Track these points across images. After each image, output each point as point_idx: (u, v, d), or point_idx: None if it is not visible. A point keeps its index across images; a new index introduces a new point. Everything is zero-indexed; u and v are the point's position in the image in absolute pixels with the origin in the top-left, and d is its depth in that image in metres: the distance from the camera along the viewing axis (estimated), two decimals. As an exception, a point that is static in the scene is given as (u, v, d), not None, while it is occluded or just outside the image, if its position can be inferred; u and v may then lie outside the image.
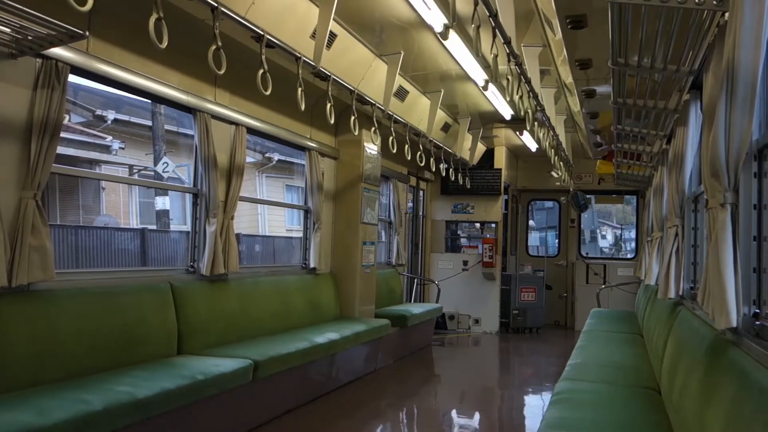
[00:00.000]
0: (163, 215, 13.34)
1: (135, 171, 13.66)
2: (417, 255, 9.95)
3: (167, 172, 12.84)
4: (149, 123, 13.27)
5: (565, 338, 9.66)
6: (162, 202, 13.26)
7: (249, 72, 3.96)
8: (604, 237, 23.16)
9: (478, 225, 10.44)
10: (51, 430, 2.58)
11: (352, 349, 5.78)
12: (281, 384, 4.60)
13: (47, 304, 3.42)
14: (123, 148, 12.92)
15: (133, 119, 13.16)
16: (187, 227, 5.00)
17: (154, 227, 12.87)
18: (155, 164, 13.15)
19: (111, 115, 12.64)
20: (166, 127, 13.14)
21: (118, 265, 10.53)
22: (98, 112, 12.63)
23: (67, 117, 11.73)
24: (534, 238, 13.61)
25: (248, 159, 16.26)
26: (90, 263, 10.04)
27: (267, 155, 16.09)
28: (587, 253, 11.64)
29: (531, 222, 12.39)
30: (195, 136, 4.65)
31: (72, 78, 3.54)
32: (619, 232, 21.02)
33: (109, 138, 12.61)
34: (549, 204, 12.68)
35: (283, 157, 15.70)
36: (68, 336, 3.47)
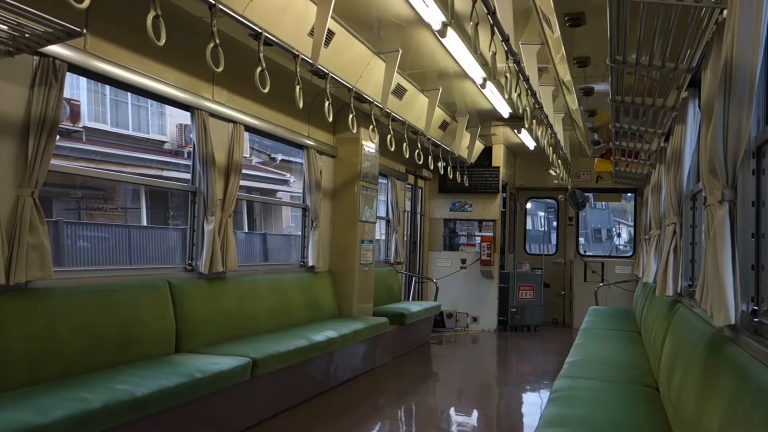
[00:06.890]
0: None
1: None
2: (415, 253, 9.95)
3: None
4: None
5: (563, 336, 9.66)
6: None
7: (247, 70, 3.95)
8: (619, 235, 23.21)
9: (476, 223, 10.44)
10: (49, 429, 2.58)
11: (350, 347, 5.79)
12: (280, 382, 4.60)
13: (45, 303, 3.41)
14: (294, 181, 18.14)
15: (292, 158, 17.96)
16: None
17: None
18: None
19: (279, 156, 18.33)
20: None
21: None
22: (272, 154, 18.23)
23: (252, 159, 17.36)
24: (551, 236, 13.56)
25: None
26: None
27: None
28: (585, 252, 11.62)
29: (554, 223, 12.39)
30: (193, 134, 4.65)
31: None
32: (633, 229, 21.13)
33: (288, 174, 18.31)
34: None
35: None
36: (66, 334, 3.46)
